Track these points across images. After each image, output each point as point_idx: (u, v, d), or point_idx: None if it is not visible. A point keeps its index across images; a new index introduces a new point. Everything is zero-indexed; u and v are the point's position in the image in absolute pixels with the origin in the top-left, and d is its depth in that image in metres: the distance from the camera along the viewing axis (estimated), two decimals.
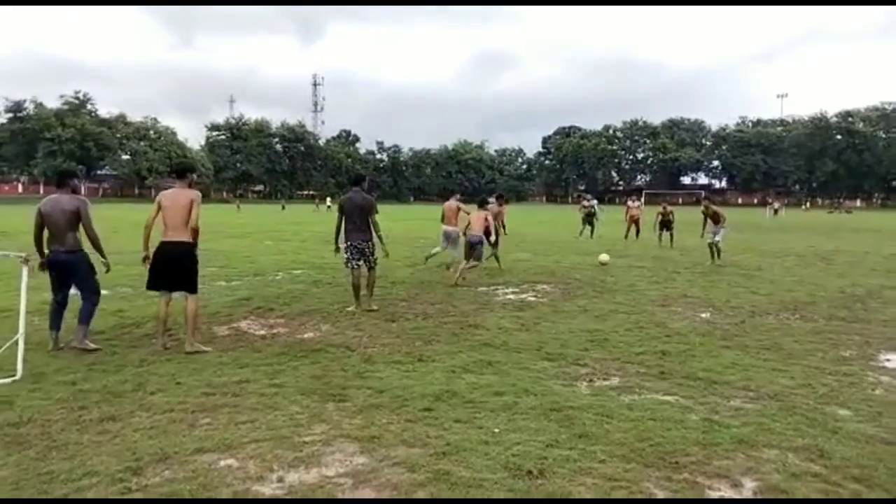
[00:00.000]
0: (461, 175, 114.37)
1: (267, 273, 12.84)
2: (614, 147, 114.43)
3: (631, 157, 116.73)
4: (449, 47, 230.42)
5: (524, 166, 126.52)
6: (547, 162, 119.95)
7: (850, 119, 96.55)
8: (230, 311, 8.80)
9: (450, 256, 13.23)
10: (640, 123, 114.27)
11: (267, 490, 3.51)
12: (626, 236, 22.93)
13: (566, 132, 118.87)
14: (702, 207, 16.57)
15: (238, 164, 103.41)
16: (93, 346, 6.47)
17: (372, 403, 4.91)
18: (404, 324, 8.00)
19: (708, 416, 4.75)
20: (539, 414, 4.69)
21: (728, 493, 3.56)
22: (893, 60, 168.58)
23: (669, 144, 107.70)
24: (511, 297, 10.34)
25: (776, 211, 49.74)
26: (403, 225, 32.88)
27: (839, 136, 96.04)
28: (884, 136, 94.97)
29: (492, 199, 14.59)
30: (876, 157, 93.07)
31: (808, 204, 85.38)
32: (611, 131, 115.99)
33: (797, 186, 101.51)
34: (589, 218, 23.84)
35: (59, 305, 6.59)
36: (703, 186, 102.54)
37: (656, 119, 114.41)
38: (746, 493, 3.56)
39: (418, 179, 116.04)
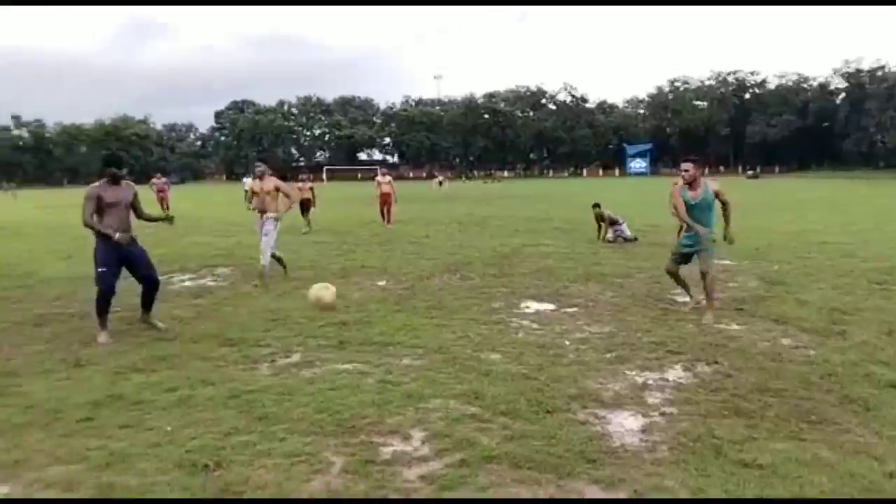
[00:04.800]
0: (124, 153, 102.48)
1: None
2: (291, 123, 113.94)
3: (308, 133, 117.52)
4: (89, 12, 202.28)
5: (199, 143, 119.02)
6: (223, 138, 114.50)
7: (493, 100, 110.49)
8: None
9: None
10: (314, 100, 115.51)
11: None
12: (383, 218, 18.49)
13: (240, 107, 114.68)
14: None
15: None
16: None
17: (15, 424, 4.19)
18: (57, 327, 6.96)
19: (383, 377, 5.07)
20: (217, 404, 4.50)
21: (400, 447, 3.84)
22: (525, 48, 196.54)
23: (343, 121, 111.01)
24: (188, 283, 9.70)
25: (441, 183, 54.76)
26: (56, 214, 28.54)
27: (486, 116, 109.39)
28: (521, 114, 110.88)
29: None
30: (516, 134, 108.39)
31: (465, 176, 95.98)
32: (286, 107, 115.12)
33: (457, 160, 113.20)
34: None
35: None
36: (378, 162, 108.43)
37: (329, 96, 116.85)
38: (415, 443, 3.89)
39: (71, 159, 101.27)
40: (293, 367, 5.42)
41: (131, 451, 3.71)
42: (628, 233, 14.04)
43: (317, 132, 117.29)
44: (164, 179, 27.17)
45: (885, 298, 7.80)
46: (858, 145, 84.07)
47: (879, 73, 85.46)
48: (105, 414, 4.31)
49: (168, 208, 23.97)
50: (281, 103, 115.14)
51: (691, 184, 6.95)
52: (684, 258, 7.29)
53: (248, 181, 32.50)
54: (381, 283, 9.35)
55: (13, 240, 16.85)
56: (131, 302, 7.02)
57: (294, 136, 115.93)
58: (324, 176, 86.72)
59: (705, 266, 6.92)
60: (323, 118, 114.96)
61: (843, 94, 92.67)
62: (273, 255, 9.65)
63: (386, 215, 18.36)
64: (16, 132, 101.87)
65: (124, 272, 6.52)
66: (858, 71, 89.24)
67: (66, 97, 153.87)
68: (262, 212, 9.59)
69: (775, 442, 3.83)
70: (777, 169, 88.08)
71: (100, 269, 6.27)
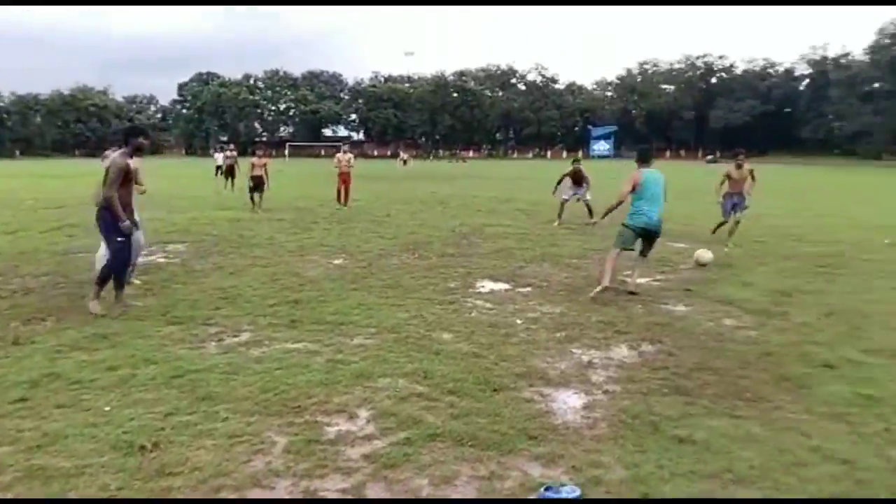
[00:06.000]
0: (81, 124, 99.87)
1: None
2: (256, 97, 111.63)
3: (273, 108, 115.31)
4: None
5: (159, 115, 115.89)
6: (185, 111, 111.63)
7: (464, 78, 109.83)
8: None
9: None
10: (281, 73, 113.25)
11: None
12: (338, 200, 17.62)
13: (204, 79, 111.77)
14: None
15: None
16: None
17: None
18: None
19: (332, 356, 5.05)
20: (160, 383, 4.42)
21: (345, 426, 3.84)
22: (498, 26, 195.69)
23: (310, 96, 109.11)
24: (139, 260, 9.47)
25: (405, 161, 54.35)
26: (5, 183, 27.59)
27: (455, 94, 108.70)
28: (490, 94, 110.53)
29: None
30: (484, 113, 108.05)
31: (432, 155, 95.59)
32: (252, 80, 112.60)
33: (423, 139, 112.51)
34: (231, 170, 23.18)
35: None
36: (342, 138, 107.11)
37: (296, 70, 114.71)
38: (361, 423, 3.89)
39: (25, 129, 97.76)
40: (241, 346, 5.35)
41: (66, 432, 3.63)
42: (588, 196, 14.20)
43: (282, 107, 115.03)
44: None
45: (829, 282, 8.04)
46: (816, 132, 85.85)
47: (843, 60, 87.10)
48: (41, 394, 4.20)
49: None
50: (247, 76, 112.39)
51: None
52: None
53: (219, 156, 31.23)
54: (337, 262, 9.28)
55: None
56: (75, 277, 6.84)
57: (259, 111, 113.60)
58: (286, 152, 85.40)
59: None
60: (289, 93, 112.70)
61: (806, 81, 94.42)
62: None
63: (343, 196, 17.56)
64: None
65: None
66: (824, 58, 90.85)
67: (23, 64, 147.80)
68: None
69: (711, 419, 3.94)
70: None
71: (119, 240, 6.25)
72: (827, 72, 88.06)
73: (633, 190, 7.19)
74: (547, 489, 3.13)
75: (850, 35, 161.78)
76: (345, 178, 17.57)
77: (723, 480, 3.22)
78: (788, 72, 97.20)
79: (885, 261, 9.54)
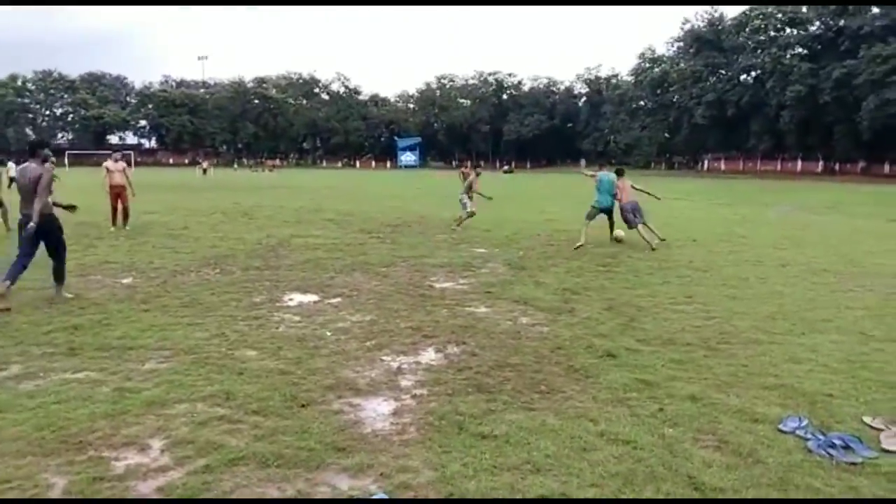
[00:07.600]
0: None
1: None
2: (26, 100, 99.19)
3: (48, 112, 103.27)
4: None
5: None
6: None
7: (264, 85, 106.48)
8: None
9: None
10: (56, 75, 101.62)
11: None
12: (113, 221, 14.42)
13: None
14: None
15: None
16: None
17: None
18: None
19: (120, 384, 4.61)
20: None
21: (136, 459, 3.52)
22: (297, 34, 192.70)
23: (91, 101, 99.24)
24: None
25: (205, 170, 51.62)
26: None
27: (256, 101, 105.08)
28: (293, 102, 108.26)
29: None
30: (288, 122, 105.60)
31: (236, 163, 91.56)
32: (19, 82, 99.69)
33: (225, 147, 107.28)
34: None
35: None
36: (132, 146, 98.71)
37: (73, 72, 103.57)
38: (154, 454, 3.59)
39: None
40: (10, 380, 4.71)
41: None
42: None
43: (58, 111, 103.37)
44: None
45: (609, 279, 8.94)
46: (596, 144, 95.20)
47: (614, 80, 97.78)
48: None
49: None
50: (13, 77, 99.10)
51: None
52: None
53: (12, 166, 26.81)
54: (126, 281, 8.52)
55: None
56: None
57: (30, 115, 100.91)
58: (66, 160, 76.81)
59: None
60: (66, 96, 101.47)
61: (584, 98, 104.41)
62: None
63: (121, 214, 14.36)
64: None
65: None
66: (597, 78, 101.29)
67: None
68: None
69: (510, 413, 4.18)
70: (529, 165, 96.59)
71: None
72: (601, 90, 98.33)
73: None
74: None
75: (617, 58, 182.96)
76: (119, 193, 14.23)
77: (522, 471, 3.43)
78: (569, 90, 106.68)
79: (653, 258, 10.82)
